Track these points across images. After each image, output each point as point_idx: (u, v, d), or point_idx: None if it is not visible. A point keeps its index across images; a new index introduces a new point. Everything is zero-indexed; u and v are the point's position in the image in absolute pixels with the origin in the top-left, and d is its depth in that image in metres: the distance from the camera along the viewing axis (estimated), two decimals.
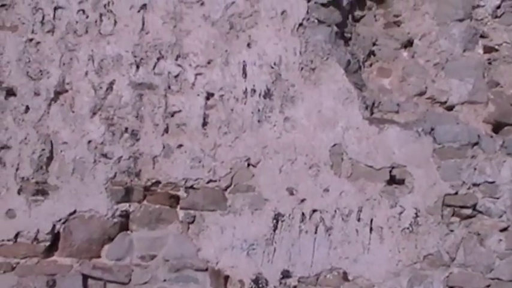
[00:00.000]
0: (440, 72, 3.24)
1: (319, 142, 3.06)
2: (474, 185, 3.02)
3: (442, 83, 3.23)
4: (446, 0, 3.30)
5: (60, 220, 3.07)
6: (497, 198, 3.01)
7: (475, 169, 3.03)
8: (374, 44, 3.35)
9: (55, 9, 3.21)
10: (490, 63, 3.28)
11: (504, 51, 3.28)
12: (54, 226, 3.07)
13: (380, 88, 3.27)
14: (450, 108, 3.20)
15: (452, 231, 2.99)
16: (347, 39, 3.28)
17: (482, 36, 3.28)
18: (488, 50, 3.28)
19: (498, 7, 3.31)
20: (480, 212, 3.01)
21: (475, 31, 3.27)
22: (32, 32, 3.19)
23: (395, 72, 3.30)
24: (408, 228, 2.99)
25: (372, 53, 3.34)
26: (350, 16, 3.36)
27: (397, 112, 3.18)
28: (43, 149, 3.10)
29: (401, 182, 3.04)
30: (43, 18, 3.20)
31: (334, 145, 3.05)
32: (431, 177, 3.01)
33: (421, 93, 3.23)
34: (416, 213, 2.99)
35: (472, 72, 3.21)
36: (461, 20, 3.27)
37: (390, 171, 3.04)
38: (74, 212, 3.07)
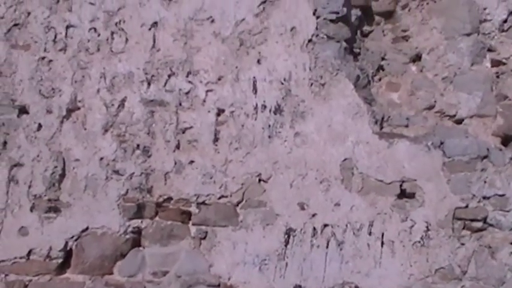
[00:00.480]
0: (448, 86, 3.26)
1: (329, 157, 3.07)
2: (484, 198, 3.02)
3: (450, 96, 3.25)
4: (454, 15, 3.33)
5: (72, 237, 3.09)
6: (508, 211, 3.01)
7: (485, 182, 3.03)
8: (383, 59, 3.38)
9: (67, 27, 3.26)
10: (498, 76, 3.29)
11: None
12: (66, 243, 3.08)
13: (389, 102, 3.29)
14: (459, 121, 3.22)
15: (463, 244, 2.99)
16: (356, 54, 3.31)
17: (489, 50, 3.31)
18: (496, 63, 3.30)
19: (505, 21, 3.34)
20: (491, 225, 3.01)
21: (482, 45, 3.30)
22: (45, 50, 3.24)
23: (404, 86, 3.33)
24: (419, 241, 2.99)
25: (380, 68, 3.37)
26: (358, 31, 3.39)
27: (406, 126, 3.20)
28: (55, 166, 3.13)
29: (411, 195, 3.04)
30: (55, 36, 3.25)
31: (345, 160, 3.07)
32: (442, 190, 3.02)
33: (430, 107, 3.25)
34: (427, 227, 3.00)
35: (480, 86, 3.23)
36: (468, 35, 3.30)
37: (400, 185, 3.05)
38: (86, 228, 3.09)
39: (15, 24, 3.28)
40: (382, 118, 3.19)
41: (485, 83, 3.24)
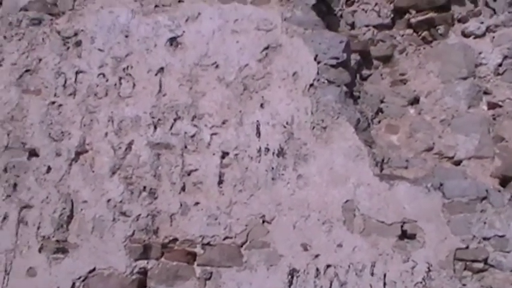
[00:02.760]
0: (446, 128, 3.35)
1: (331, 198, 3.14)
2: (484, 239, 3.06)
3: (448, 138, 3.33)
4: (450, 60, 3.45)
5: (79, 278, 3.14)
6: (508, 252, 3.04)
7: (484, 223, 3.08)
8: (382, 102, 3.49)
9: (76, 73, 3.38)
10: (494, 118, 3.39)
11: (507, 107, 3.40)
12: (74, 284, 3.13)
13: (389, 144, 3.38)
14: (458, 163, 3.29)
15: (464, 285, 3.02)
16: (356, 97, 3.41)
17: (486, 93, 3.41)
18: (492, 106, 3.39)
19: (500, 65, 3.45)
20: (492, 266, 3.05)
21: (478, 88, 3.40)
22: (55, 95, 3.35)
23: (403, 128, 3.42)
24: (421, 282, 3.02)
25: (379, 110, 3.47)
26: (358, 75, 3.50)
27: (406, 168, 3.27)
28: (64, 208, 3.20)
29: (412, 236, 3.09)
30: (65, 82, 3.36)
31: (346, 201, 3.13)
32: (442, 231, 3.07)
33: (429, 149, 3.34)
34: (428, 268, 3.03)
35: (478, 128, 3.32)
36: (465, 78, 3.41)
37: (402, 226, 3.10)
38: (94, 269, 3.14)
39: (27, 70, 3.40)
40: (382, 160, 3.26)
41: (482, 125, 3.33)
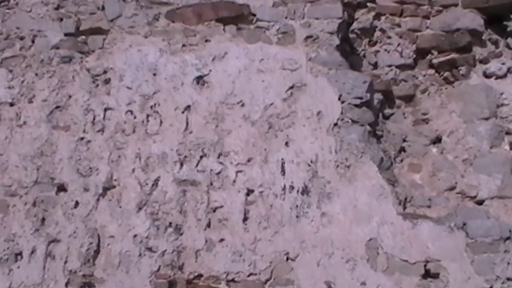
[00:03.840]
0: (469, 168, 3.38)
1: (355, 237, 3.17)
2: (508, 279, 3.07)
3: (471, 178, 3.36)
4: (472, 100, 3.49)
5: None
6: None
7: (508, 264, 3.09)
8: (404, 141, 3.52)
9: (105, 110, 3.46)
10: None
11: None
12: None
13: (411, 183, 3.41)
14: (480, 202, 3.31)
15: None
16: (379, 136, 3.46)
17: (508, 133, 3.44)
18: None
19: None
20: None
21: (500, 128, 3.43)
22: (84, 131, 3.43)
23: (426, 167, 3.45)
24: None
25: (402, 149, 3.51)
26: (380, 114, 3.55)
27: (429, 207, 3.30)
28: (91, 243, 3.25)
29: (436, 276, 3.10)
30: (94, 118, 3.45)
31: (370, 239, 3.16)
32: (466, 271, 3.08)
33: (452, 188, 3.36)
34: None
35: (500, 168, 3.35)
36: (487, 119, 3.45)
37: (425, 266, 3.12)
38: None
39: (57, 107, 3.49)
40: (405, 199, 3.30)
41: (504, 165, 3.35)
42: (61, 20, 3.67)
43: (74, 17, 3.67)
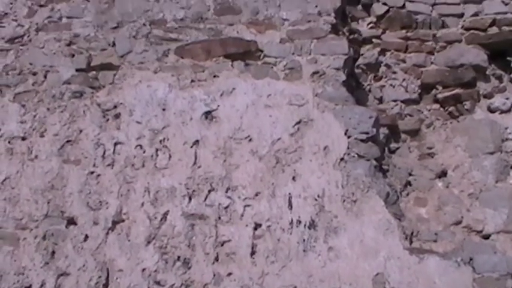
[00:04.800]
0: (475, 202, 3.42)
1: (362, 271, 3.18)
2: None
3: (477, 212, 3.39)
4: (477, 135, 3.54)
5: None
6: None
7: None
8: (410, 175, 3.57)
9: (115, 144, 3.51)
10: None
11: None
12: None
13: (417, 217, 3.44)
14: (486, 237, 3.34)
15: None
16: (384, 170, 3.50)
17: None
18: None
19: None
20: None
21: (506, 163, 3.48)
22: (94, 165, 3.48)
23: (431, 201, 3.48)
24: None
25: (408, 183, 3.54)
26: (386, 148, 3.60)
27: (435, 241, 3.32)
28: (99, 276, 3.28)
29: None
30: (104, 152, 3.50)
31: (377, 274, 3.17)
32: None
33: (458, 222, 3.39)
34: None
35: (506, 203, 3.38)
36: (492, 153, 3.50)
37: None
38: None
39: (68, 141, 3.55)
40: (412, 233, 3.32)
41: (510, 200, 3.39)
42: (73, 55, 3.75)
43: (85, 52, 3.74)
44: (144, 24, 3.76)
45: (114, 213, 3.39)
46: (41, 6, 3.91)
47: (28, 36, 3.83)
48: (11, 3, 3.95)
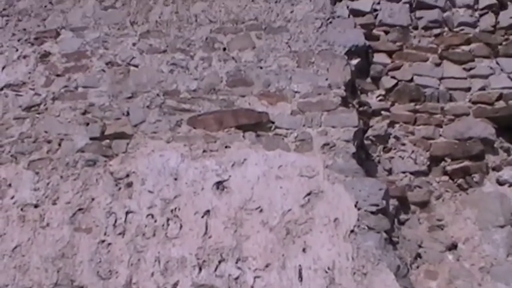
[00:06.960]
0: (486, 276, 3.40)
1: None
2: None
3: (488, 287, 3.37)
4: (486, 207, 3.56)
5: None
6: None
7: None
8: (420, 247, 3.56)
9: (127, 213, 3.54)
10: None
11: None
12: None
13: None
14: None
15: None
16: (394, 243, 3.50)
17: None
18: None
19: None
20: None
21: None
22: (105, 234, 3.50)
23: (442, 275, 3.47)
24: None
25: (418, 256, 3.53)
26: (395, 220, 3.61)
27: None
28: None
29: None
30: (115, 221, 3.52)
31: None
32: None
33: None
34: None
35: None
36: (502, 226, 3.50)
37: None
38: None
39: (80, 209, 3.58)
40: None
41: None
42: (87, 124, 3.83)
43: (99, 121, 3.83)
44: (157, 95, 3.86)
45: (124, 282, 3.38)
46: (58, 75, 4.04)
47: (44, 105, 3.93)
48: (29, 73, 4.07)
